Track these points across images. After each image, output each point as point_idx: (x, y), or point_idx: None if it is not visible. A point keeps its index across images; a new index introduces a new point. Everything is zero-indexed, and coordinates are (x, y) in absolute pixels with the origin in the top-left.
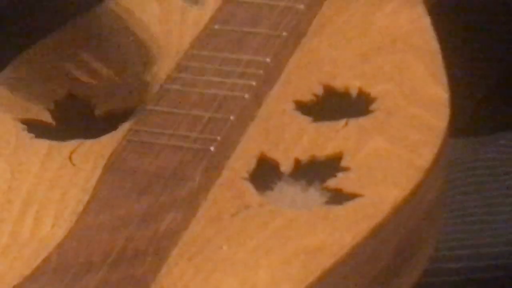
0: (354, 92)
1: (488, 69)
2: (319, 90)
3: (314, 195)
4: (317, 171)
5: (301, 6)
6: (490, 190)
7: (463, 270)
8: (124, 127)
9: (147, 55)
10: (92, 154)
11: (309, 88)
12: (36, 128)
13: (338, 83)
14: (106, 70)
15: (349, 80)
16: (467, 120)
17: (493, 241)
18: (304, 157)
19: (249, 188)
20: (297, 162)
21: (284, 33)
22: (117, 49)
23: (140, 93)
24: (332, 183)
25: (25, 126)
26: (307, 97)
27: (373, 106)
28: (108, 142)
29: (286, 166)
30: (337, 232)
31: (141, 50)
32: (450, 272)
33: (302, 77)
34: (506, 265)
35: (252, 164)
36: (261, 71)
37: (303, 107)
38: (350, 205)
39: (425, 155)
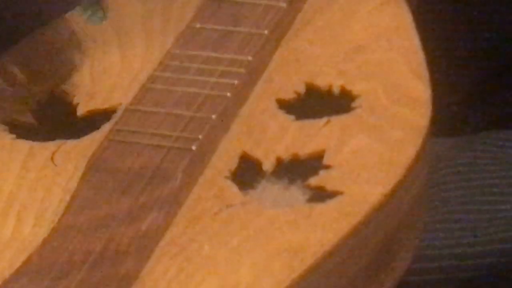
0: (336, 90)
1: (471, 69)
2: (302, 88)
3: (296, 193)
4: (299, 169)
5: (283, 4)
6: (473, 189)
7: (444, 269)
8: (106, 127)
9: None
10: (74, 154)
11: (292, 86)
12: (17, 129)
13: (321, 81)
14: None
15: (331, 78)
16: (451, 119)
17: (475, 240)
18: (286, 156)
19: (231, 187)
20: (279, 160)
21: (266, 31)
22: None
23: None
24: (314, 181)
25: (6, 127)
26: (289, 95)
27: (355, 104)
28: (90, 142)
29: (268, 164)
30: (319, 230)
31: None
32: (432, 271)
33: (285, 76)
34: (487, 264)
35: (234, 163)
36: (243, 70)
37: (286, 106)
38: (332, 203)
39: (407, 153)
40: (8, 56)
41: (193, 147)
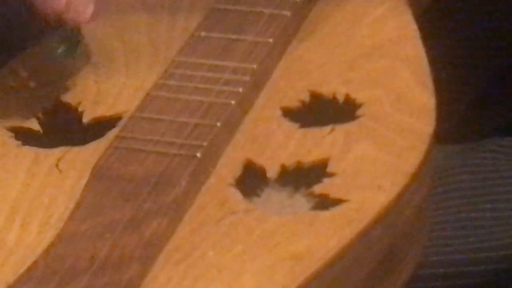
0: (340, 98)
1: (475, 77)
2: (306, 97)
3: (300, 200)
4: (303, 177)
5: (288, 13)
6: (477, 196)
7: (449, 275)
8: (111, 134)
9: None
10: (79, 161)
11: (296, 94)
12: (23, 136)
13: (325, 90)
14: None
15: (336, 87)
16: (454, 127)
17: (479, 246)
18: (290, 163)
19: (235, 194)
20: (284, 168)
21: (271, 40)
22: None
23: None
24: (318, 188)
25: (12, 134)
26: (293, 103)
27: (359, 112)
28: (95, 149)
29: (272, 172)
30: (323, 237)
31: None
32: (437, 278)
33: (289, 84)
34: (491, 270)
35: (238, 170)
36: (247, 78)
37: (290, 114)
38: (336, 210)
39: (411, 161)
40: (18, 60)
41: (198, 154)
